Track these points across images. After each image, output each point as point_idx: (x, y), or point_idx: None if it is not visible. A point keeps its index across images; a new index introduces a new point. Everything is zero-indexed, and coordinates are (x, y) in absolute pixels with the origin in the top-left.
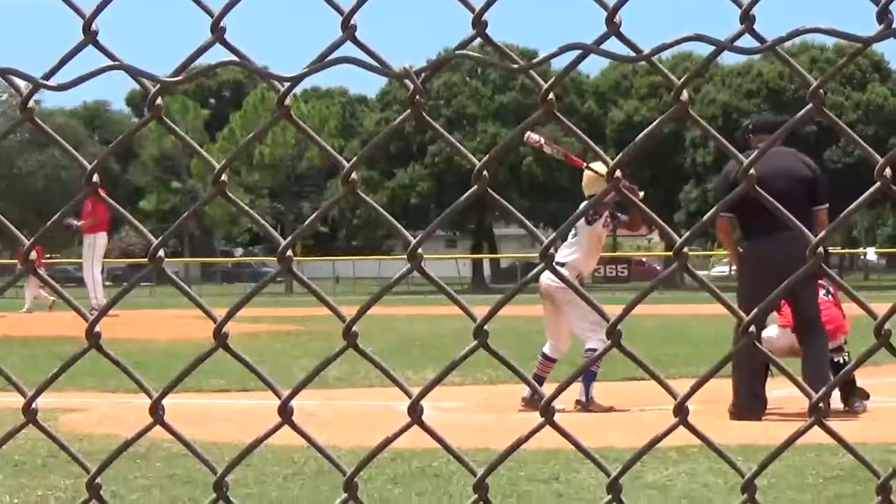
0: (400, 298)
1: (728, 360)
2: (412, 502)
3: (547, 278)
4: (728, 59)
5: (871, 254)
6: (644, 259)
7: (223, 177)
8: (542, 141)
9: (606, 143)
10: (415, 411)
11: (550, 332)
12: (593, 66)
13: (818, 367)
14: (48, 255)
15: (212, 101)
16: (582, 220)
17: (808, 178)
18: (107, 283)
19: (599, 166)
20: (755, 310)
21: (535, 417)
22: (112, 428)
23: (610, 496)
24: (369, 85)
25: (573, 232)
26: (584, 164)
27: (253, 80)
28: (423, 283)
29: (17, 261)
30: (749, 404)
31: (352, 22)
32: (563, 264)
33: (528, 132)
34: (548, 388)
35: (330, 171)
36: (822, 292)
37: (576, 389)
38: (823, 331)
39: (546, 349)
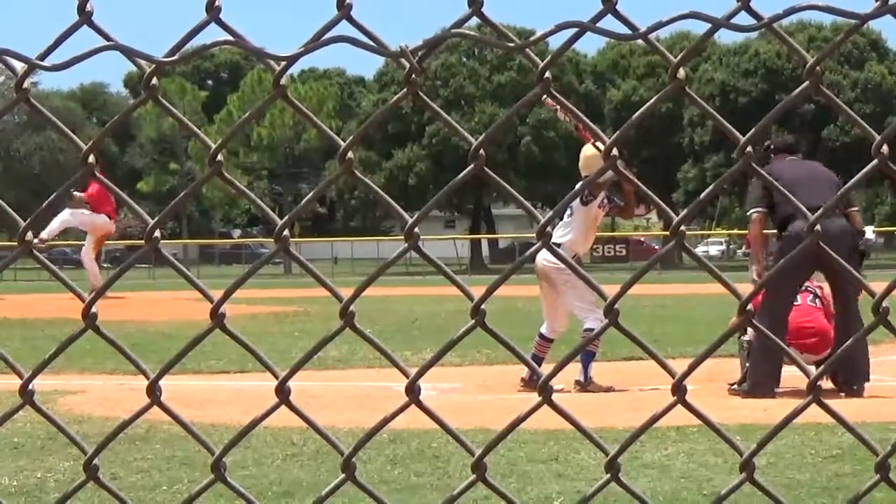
0: (398, 279)
1: (724, 340)
2: (411, 483)
3: (543, 259)
4: (725, 38)
5: (870, 232)
6: (643, 238)
7: (219, 157)
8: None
9: (604, 123)
10: (412, 391)
11: (547, 312)
12: (591, 46)
13: (850, 350)
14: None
15: (209, 82)
16: (577, 201)
17: (838, 183)
18: (105, 265)
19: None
20: (754, 288)
21: (534, 397)
22: (111, 410)
23: (608, 475)
24: (367, 66)
25: (568, 212)
26: (592, 140)
27: (250, 61)
28: (421, 264)
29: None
30: (765, 383)
31: (347, 1)
32: (558, 245)
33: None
34: (547, 369)
35: (328, 153)
36: (809, 298)
37: (576, 369)
38: (861, 319)
39: (543, 329)
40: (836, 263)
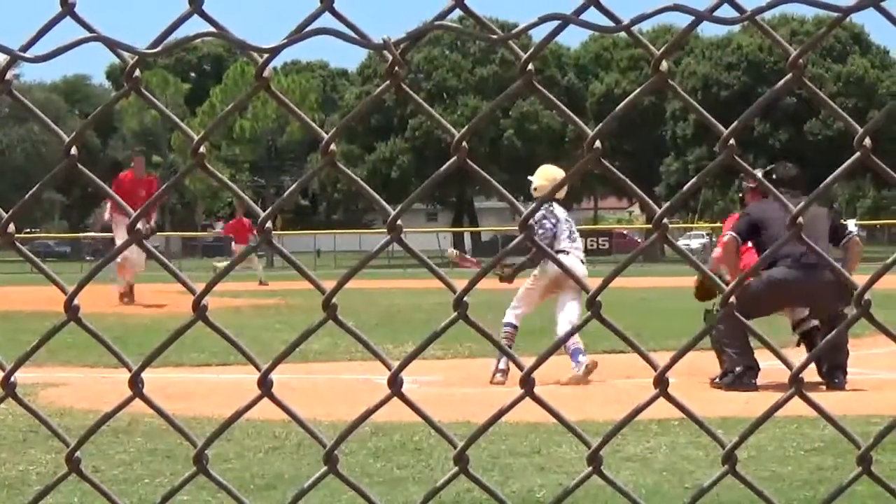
0: (381, 272)
1: (707, 333)
2: (394, 476)
3: (582, 259)
4: (708, 31)
5: (852, 225)
6: (625, 231)
7: (201, 149)
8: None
9: (587, 116)
10: (394, 383)
11: (530, 307)
12: (574, 39)
13: (837, 341)
14: (28, 230)
15: (192, 75)
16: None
17: (835, 225)
18: (88, 258)
19: (545, 171)
20: (732, 285)
21: (516, 390)
22: (93, 403)
23: (590, 468)
24: (349, 58)
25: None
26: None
27: (233, 53)
28: (403, 257)
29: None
30: (745, 375)
31: None
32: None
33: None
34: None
35: (311, 145)
36: None
37: (559, 363)
38: (844, 317)
39: (515, 320)
40: (819, 306)
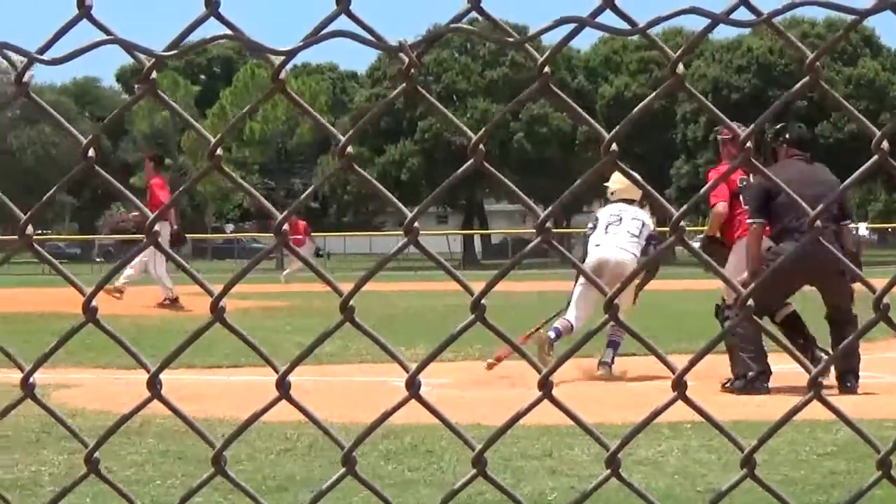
0: (391, 274)
1: (724, 336)
2: (405, 478)
3: (630, 253)
4: (719, 34)
5: (863, 229)
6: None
7: (218, 151)
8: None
9: (597, 119)
10: (412, 386)
11: (587, 307)
12: (584, 42)
13: (848, 347)
14: (41, 231)
15: (202, 77)
16: (649, 218)
17: (834, 183)
18: (98, 260)
19: (619, 174)
20: (749, 289)
21: (530, 393)
22: (105, 404)
23: (609, 471)
24: (359, 61)
25: (638, 229)
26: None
27: (243, 56)
28: (414, 259)
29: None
30: (757, 379)
31: None
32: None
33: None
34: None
35: (321, 147)
36: None
37: (577, 365)
38: (854, 319)
39: (575, 321)
40: (827, 283)
